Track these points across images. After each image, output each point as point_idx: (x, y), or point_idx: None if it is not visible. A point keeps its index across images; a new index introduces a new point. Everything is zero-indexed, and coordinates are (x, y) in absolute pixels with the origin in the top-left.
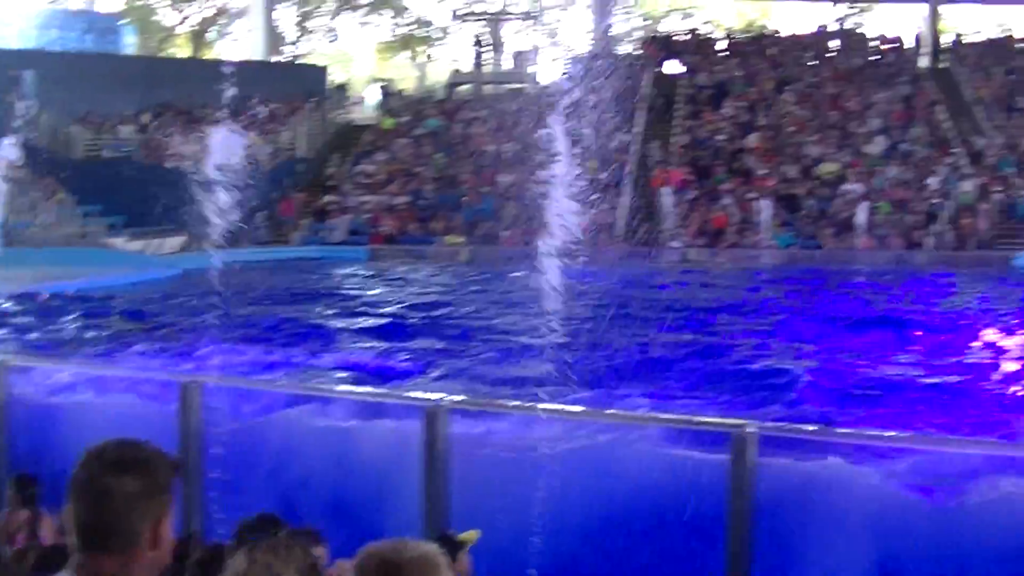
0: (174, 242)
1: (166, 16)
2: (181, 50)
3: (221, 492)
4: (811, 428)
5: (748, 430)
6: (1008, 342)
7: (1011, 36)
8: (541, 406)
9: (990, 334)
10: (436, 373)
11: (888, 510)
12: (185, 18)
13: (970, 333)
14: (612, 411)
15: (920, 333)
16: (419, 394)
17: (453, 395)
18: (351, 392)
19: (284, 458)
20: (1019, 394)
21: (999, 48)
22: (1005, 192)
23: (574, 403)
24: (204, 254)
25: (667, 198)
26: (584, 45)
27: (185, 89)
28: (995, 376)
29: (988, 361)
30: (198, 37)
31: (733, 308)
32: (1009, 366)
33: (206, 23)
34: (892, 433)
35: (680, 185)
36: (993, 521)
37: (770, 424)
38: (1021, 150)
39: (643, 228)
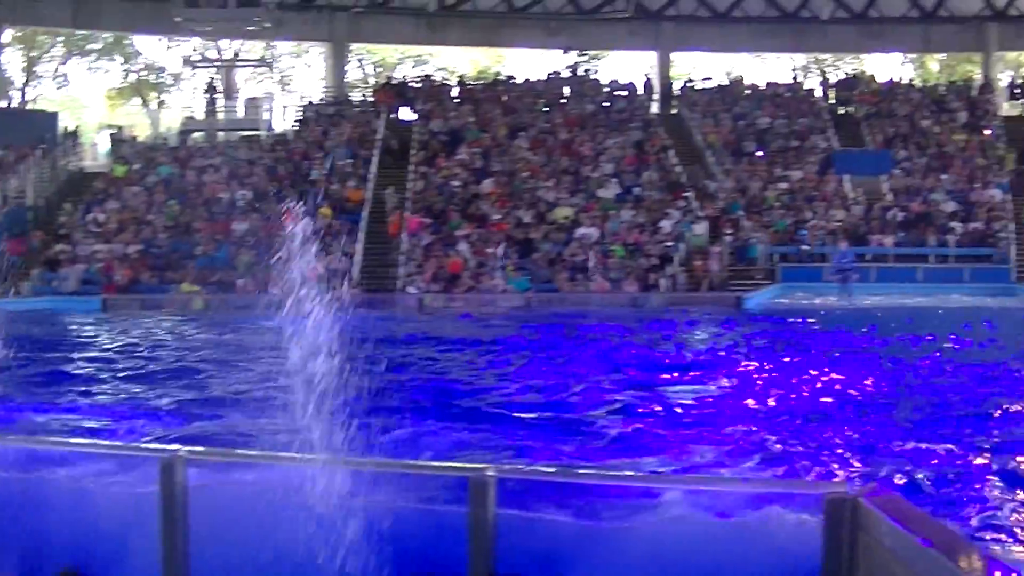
0: None
1: None
2: None
3: None
4: (551, 470)
5: (487, 473)
6: (740, 379)
7: (739, 82)
8: (281, 455)
9: (726, 373)
10: (173, 424)
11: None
12: None
13: (709, 372)
14: (352, 458)
15: (660, 373)
16: (155, 446)
17: (190, 446)
18: (84, 445)
19: (18, 516)
20: (759, 431)
21: (727, 94)
22: (736, 234)
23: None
24: None
25: (403, 243)
26: (318, 92)
27: None
28: (731, 413)
29: (725, 398)
30: None
31: (474, 351)
32: (741, 404)
33: None
34: (633, 473)
35: (416, 230)
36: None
37: (509, 467)
38: (751, 194)
39: (380, 274)
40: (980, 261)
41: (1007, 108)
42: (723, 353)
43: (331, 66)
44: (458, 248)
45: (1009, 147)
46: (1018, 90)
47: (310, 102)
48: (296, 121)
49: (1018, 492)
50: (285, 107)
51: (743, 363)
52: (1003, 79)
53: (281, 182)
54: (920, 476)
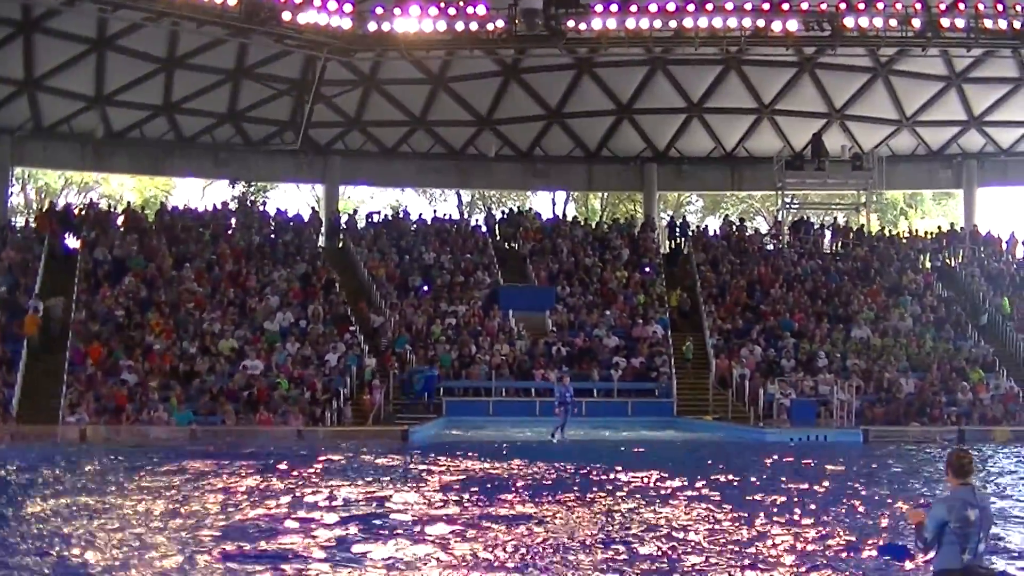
0: None
1: None
2: None
3: None
4: None
5: None
6: (402, 515)
7: (404, 217)
8: None
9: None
10: None
11: None
12: None
13: (376, 512)
14: None
15: (327, 512)
16: None
17: None
18: None
19: None
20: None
21: (393, 228)
22: (401, 369)
23: None
24: None
25: (66, 373)
26: None
27: None
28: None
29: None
30: None
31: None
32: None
33: None
34: None
35: (78, 360)
36: None
37: None
38: (416, 328)
39: (43, 405)
40: (643, 395)
41: (667, 246)
42: (389, 489)
43: None
44: (122, 378)
45: (669, 284)
46: (677, 229)
47: None
48: None
49: None
50: None
51: (409, 502)
52: (664, 218)
53: None
54: None
